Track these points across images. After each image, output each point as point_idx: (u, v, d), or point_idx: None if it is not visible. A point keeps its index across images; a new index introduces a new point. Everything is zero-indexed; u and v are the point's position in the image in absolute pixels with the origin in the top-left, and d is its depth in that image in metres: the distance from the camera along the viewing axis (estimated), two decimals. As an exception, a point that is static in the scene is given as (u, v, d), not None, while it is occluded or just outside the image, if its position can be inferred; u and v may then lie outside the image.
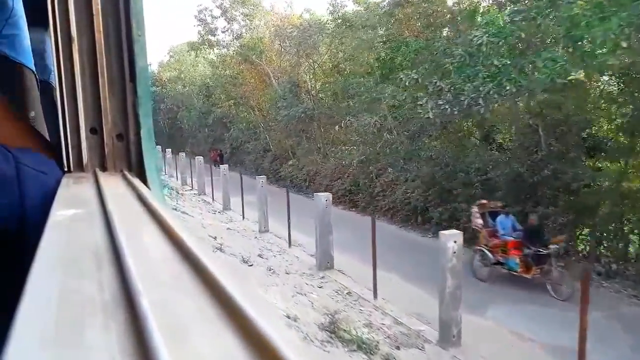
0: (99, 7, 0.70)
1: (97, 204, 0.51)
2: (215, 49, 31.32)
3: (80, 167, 0.72)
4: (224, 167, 17.18)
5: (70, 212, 0.48)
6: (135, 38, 0.71)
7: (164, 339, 0.23)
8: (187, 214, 13.67)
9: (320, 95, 22.52)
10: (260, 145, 26.53)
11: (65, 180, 0.65)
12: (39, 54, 1.10)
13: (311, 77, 22.92)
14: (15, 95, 0.85)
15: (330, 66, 22.32)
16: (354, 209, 15.80)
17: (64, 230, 0.43)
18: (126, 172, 0.71)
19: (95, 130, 0.72)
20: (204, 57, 38.84)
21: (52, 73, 1.05)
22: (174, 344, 0.23)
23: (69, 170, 0.72)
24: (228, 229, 13.04)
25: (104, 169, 0.73)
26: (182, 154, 25.21)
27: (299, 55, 22.58)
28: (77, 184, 0.65)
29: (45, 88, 1.02)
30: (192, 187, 21.52)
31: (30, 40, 0.86)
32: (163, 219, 0.44)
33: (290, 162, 22.11)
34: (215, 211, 16.11)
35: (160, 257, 0.35)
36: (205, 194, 19.16)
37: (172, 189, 17.69)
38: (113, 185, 0.63)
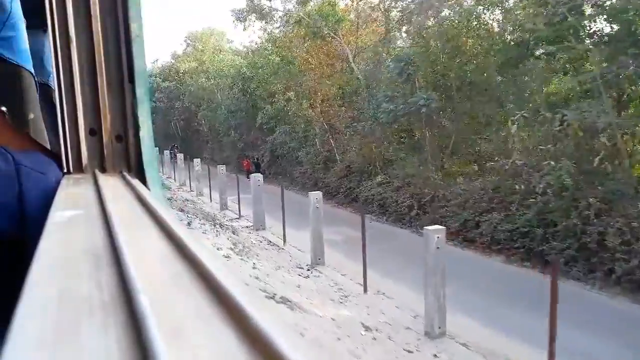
0: (97, 8, 0.70)
1: (97, 205, 0.51)
2: (266, 21, 23.88)
3: (79, 168, 0.72)
4: (255, 176, 12.52)
5: (70, 213, 0.48)
6: (134, 39, 0.71)
7: (163, 339, 0.23)
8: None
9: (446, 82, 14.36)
10: (319, 152, 20.15)
11: (64, 182, 0.65)
12: (38, 56, 1.10)
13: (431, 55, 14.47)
14: (14, 98, 0.85)
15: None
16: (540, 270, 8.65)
17: (63, 231, 0.43)
18: (125, 173, 0.71)
19: (95, 131, 0.72)
20: (230, 48, 34.43)
21: (51, 75, 1.05)
22: (173, 343, 0.23)
23: (68, 172, 0.72)
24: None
25: (103, 170, 0.73)
26: (197, 160, 20.46)
27: (402, 22, 16.45)
28: (77, 185, 0.65)
29: (44, 90, 1.02)
30: (210, 199, 17.64)
31: (29, 42, 0.86)
32: (162, 219, 0.44)
33: (378, 179, 15.45)
34: (245, 228, 12.32)
35: (159, 257, 0.35)
36: (227, 208, 15.50)
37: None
38: (112, 186, 0.63)
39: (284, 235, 10.55)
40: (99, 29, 0.70)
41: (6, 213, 0.54)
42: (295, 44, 21.36)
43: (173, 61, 42.04)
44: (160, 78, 40.55)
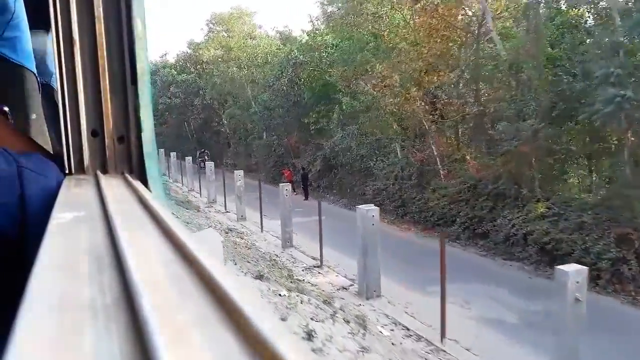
0: (101, 9, 0.70)
1: (98, 206, 0.51)
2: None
3: (81, 169, 0.72)
4: (366, 210, 7.76)
5: (72, 214, 0.48)
6: (137, 40, 0.71)
7: (165, 342, 0.23)
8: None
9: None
10: (410, 164, 14.45)
11: (66, 183, 0.65)
12: (41, 56, 1.10)
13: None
14: (17, 98, 0.85)
15: None
16: None
17: (65, 233, 0.43)
18: (127, 175, 0.71)
19: (97, 132, 0.72)
20: (262, 34, 29.18)
21: (54, 75, 1.06)
22: (175, 346, 0.23)
23: (70, 173, 0.72)
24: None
25: (105, 171, 0.73)
26: (239, 173, 15.83)
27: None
28: (78, 186, 0.65)
29: (47, 90, 1.03)
30: (261, 228, 13.57)
31: (32, 43, 0.86)
32: (164, 221, 0.44)
33: (539, 209, 9.63)
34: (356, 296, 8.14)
35: (161, 260, 0.35)
36: (292, 244, 11.50)
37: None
38: (114, 187, 0.63)
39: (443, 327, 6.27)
40: (102, 30, 0.70)
41: (7, 215, 0.54)
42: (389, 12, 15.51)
43: (190, 51, 36.60)
44: (175, 70, 36.34)
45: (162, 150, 27.29)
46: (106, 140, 0.73)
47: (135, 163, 0.74)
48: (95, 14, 0.70)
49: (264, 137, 26.33)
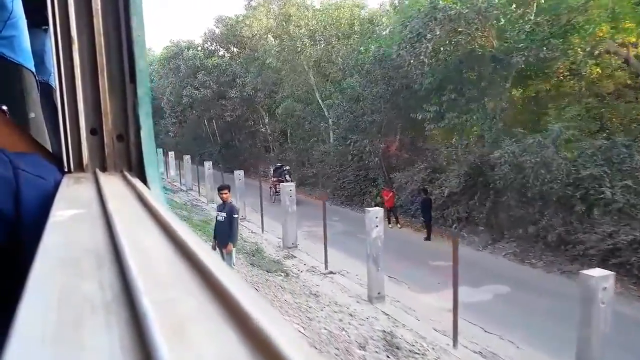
0: (99, 8, 0.70)
1: (97, 204, 0.51)
2: None
3: (80, 167, 0.72)
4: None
5: (71, 212, 0.48)
6: (135, 39, 0.71)
7: (165, 338, 0.23)
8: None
9: None
10: None
11: (65, 181, 0.65)
12: (39, 55, 1.10)
13: None
14: (15, 97, 0.85)
15: None
16: None
17: (64, 231, 0.43)
18: (126, 173, 0.71)
19: (96, 130, 0.72)
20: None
21: (52, 74, 1.06)
22: (175, 342, 0.23)
23: (69, 171, 0.72)
24: None
25: (104, 169, 0.73)
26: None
27: None
28: (77, 184, 0.65)
29: (45, 89, 1.03)
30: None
31: (30, 42, 0.86)
32: (163, 218, 0.44)
33: None
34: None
35: (160, 257, 0.36)
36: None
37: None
38: (113, 185, 0.63)
39: None
40: (101, 28, 0.70)
41: (5, 214, 0.54)
42: None
43: (221, 29, 28.10)
44: (203, 53, 28.53)
45: (171, 152, 24.88)
46: (105, 139, 0.73)
47: (134, 161, 0.74)
48: (94, 12, 0.70)
49: (331, 139, 19.05)
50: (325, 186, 19.12)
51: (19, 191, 0.55)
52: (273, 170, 18.98)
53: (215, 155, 27.69)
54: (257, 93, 24.40)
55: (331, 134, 19.93)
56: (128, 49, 0.71)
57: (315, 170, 20.45)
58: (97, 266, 0.34)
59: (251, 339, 0.23)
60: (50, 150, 0.80)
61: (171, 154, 25.35)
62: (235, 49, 28.59)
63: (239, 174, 15.24)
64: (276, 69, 22.16)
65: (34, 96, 0.88)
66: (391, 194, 14.17)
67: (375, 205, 11.28)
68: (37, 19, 0.93)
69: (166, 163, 25.85)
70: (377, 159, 16.85)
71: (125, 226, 0.41)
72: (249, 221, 13.92)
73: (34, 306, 0.27)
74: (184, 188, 21.87)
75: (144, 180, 0.71)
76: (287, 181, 14.81)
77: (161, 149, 26.54)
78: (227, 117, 26.70)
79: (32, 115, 0.90)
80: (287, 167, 18.75)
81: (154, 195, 0.57)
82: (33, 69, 0.86)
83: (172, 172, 25.29)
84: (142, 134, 0.73)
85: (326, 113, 19.86)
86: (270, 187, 17.71)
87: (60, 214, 0.48)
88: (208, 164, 18.42)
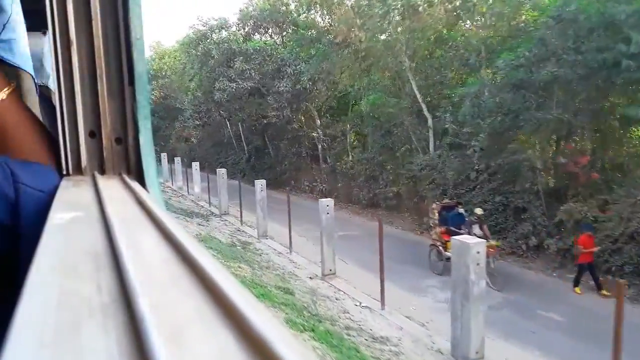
0: (98, 11, 0.70)
1: (96, 207, 0.52)
2: None
3: (79, 170, 0.72)
4: None
5: (69, 215, 0.48)
6: (134, 41, 0.71)
7: (162, 340, 0.23)
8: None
9: None
10: None
11: (64, 184, 0.65)
12: (38, 58, 1.10)
13: None
14: None
15: None
16: None
17: (62, 234, 0.43)
18: (125, 176, 0.71)
19: (94, 133, 0.72)
20: None
21: (51, 77, 1.06)
22: (172, 345, 0.23)
23: (68, 174, 0.72)
24: None
25: (102, 172, 0.73)
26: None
27: None
28: (76, 187, 0.65)
29: (44, 92, 1.03)
30: None
31: (29, 45, 0.86)
32: (161, 221, 0.44)
33: None
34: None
35: (158, 259, 0.36)
36: None
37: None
38: (111, 188, 0.63)
39: None
40: (100, 31, 0.70)
41: (4, 216, 0.54)
42: None
43: (259, 6, 21.84)
44: (243, 29, 22.18)
45: (196, 163, 19.52)
46: (104, 142, 0.73)
47: (132, 164, 0.74)
48: (92, 15, 0.70)
49: (430, 148, 13.92)
50: (412, 211, 13.27)
51: (18, 197, 0.55)
52: (438, 213, 10.50)
53: (243, 165, 23.02)
54: (314, 85, 17.86)
55: (431, 139, 14.23)
56: (127, 52, 0.71)
57: (397, 188, 14.36)
58: (95, 269, 0.34)
59: (248, 342, 0.24)
60: (49, 153, 0.80)
61: (195, 164, 19.91)
62: (283, 30, 21.28)
63: (327, 204, 9.74)
64: (355, 51, 15.64)
65: (33, 99, 0.88)
66: (590, 239, 8.77)
67: (577, 263, 8.22)
68: (36, 22, 0.93)
69: (186, 175, 21.48)
70: (548, 177, 10.94)
71: (123, 229, 0.41)
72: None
73: (32, 308, 0.27)
74: (216, 211, 16.61)
75: (142, 183, 0.71)
76: (475, 236, 8.07)
77: (179, 158, 23.55)
78: (272, 118, 19.96)
79: None
80: (478, 214, 9.79)
81: (153, 199, 0.58)
82: (32, 72, 0.86)
83: (197, 188, 19.55)
84: (141, 136, 0.73)
85: (425, 110, 14.13)
86: (434, 245, 10.18)
87: (58, 217, 0.48)
88: (260, 183, 12.96)
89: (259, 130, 22.56)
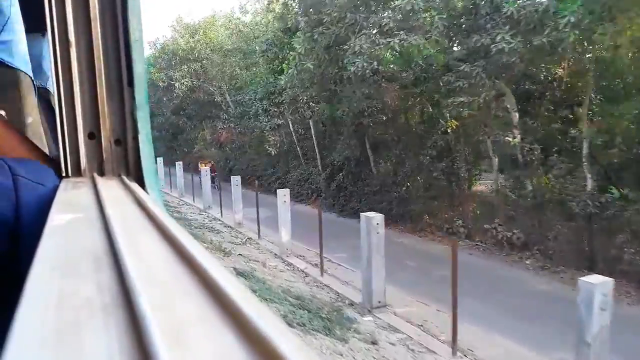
0: (97, 12, 0.70)
1: (96, 209, 0.51)
2: None
3: (78, 172, 0.72)
4: None
5: (69, 216, 0.48)
6: (133, 43, 0.71)
7: (163, 340, 0.23)
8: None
9: None
10: None
11: (63, 185, 0.65)
12: (37, 59, 1.10)
13: None
14: (13, 102, 0.85)
15: None
16: None
17: (62, 235, 0.43)
18: (124, 177, 0.71)
19: (93, 135, 0.72)
20: None
21: (50, 79, 1.06)
22: (173, 345, 0.23)
23: (67, 176, 0.72)
24: None
25: (102, 173, 0.73)
26: None
27: None
28: (75, 188, 0.65)
29: (43, 94, 1.03)
30: None
31: (28, 46, 0.86)
32: (161, 222, 0.44)
33: None
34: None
35: (158, 260, 0.35)
36: None
37: None
38: (111, 189, 0.63)
39: None
40: (99, 32, 0.70)
41: (2, 225, 0.54)
42: None
43: None
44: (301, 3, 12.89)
45: (285, 191, 9.52)
46: (103, 143, 0.73)
47: (132, 165, 0.74)
48: (91, 16, 0.70)
49: None
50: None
51: (18, 198, 0.55)
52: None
53: (321, 185, 15.46)
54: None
55: None
56: (126, 53, 0.71)
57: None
58: (95, 269, 0.34)
59: (249, 342, 0.23)
60: (48, 155, 0.80)
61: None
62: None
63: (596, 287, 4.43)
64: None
65: (32, 101, 0.88)
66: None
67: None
68: (34, 24, 0.93)
69: (257, 206, 11.64)
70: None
71: (123, 230, 0.41)
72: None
73: (33, 309, 0.27)
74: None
75: (142, 184, 0.71)
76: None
77: (238, 176, 13.44)
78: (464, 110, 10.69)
79: (29, 120, 0.89)
80: None
81: (152, 200, 0.57)
82: (31, 74, 0.86)
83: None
84: (140, 138, 0.73)
85: None
86: None
87: (58, 218, 0.47)
88: (375, 220, 6.68)
89: (350, 133, 14.49)
